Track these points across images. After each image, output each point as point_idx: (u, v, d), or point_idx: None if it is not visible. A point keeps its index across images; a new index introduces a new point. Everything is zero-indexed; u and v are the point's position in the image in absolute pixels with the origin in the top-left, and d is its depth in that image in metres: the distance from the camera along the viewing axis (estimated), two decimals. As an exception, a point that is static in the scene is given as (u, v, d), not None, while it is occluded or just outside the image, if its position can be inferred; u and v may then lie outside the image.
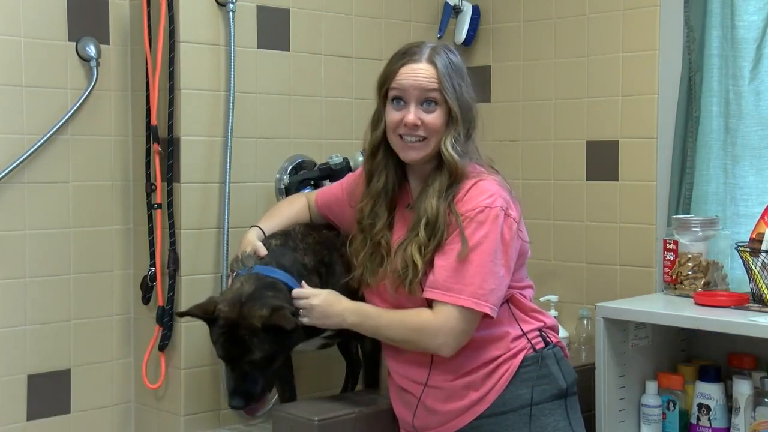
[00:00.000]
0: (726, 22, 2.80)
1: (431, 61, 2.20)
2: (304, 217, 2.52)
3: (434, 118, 2.20)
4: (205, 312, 2.24)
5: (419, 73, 2.20)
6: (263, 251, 2.33)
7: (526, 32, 3.26)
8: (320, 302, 2.22)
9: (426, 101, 2.20)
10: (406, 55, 2.23)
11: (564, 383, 2.26)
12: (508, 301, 2.25)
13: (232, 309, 2.20)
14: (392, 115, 2.22)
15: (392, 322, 2.21)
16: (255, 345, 2.18)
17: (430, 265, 2.17)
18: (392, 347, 2.28)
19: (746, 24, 2.77)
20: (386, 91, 2.24)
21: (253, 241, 2.37)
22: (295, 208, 2.53)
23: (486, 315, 2.15)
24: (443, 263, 2.15)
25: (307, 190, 2.76)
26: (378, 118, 2.28)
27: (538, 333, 2.26)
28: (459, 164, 2.19)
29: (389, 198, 2.29)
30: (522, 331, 2.25)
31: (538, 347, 2.24)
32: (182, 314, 2.33)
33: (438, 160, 2.22)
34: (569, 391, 2.28)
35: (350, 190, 2.43)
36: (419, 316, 2.17)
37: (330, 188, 2.55)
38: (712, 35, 2.81)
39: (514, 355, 2.22)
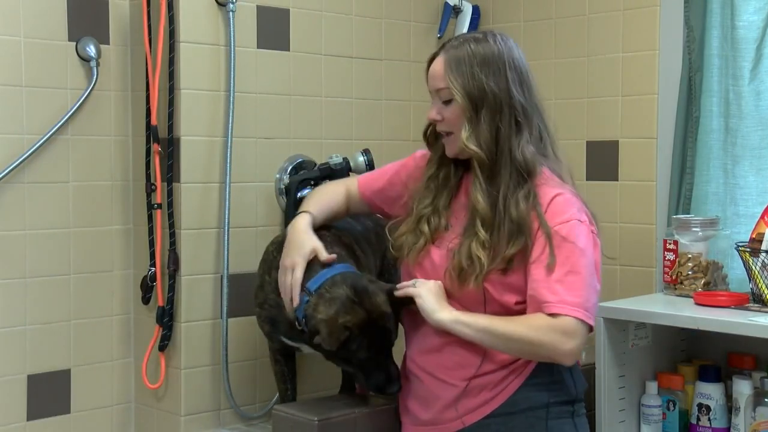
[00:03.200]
0: (726, 22, 2.80)
1: (443, 54, 2.21)
2: (343, 208, 2.46)
3: (450, 112, 2.20)
4: (340, 339, 2.17)
5: (433, 70, 2.23)
6: (326, 255, 2.28)
7: (526, 32, 3.26)
8: (434, 284, 2.19)
9: (442, 99, 2.21)
10: (435, 51, 2.26)
11: (575, 391, 2.26)
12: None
13: (356, 313, 2.18)
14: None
15: (510, 321, 2.13)
16: (391, 327, 2.21)
17: (497, 259, 2.14)
18: (425, 344, 2.25)
19: (746, 24, 2.77)
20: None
21: (311, 236, 2.31)
22: (332, 197, 2.46)
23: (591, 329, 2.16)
24: (548, 277, 2.11)
25: (307, 190, 2.76)
26: None
27: None
28: (483, 156, 2.16)
29: (444, 184, 2.28)
30: None
31: None
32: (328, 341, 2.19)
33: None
34: (578, 398, 2.28)
35: (418, 166, 2.39)
36: (536, 319, 2.11)
37: (375, 173, 2.52)
38: (712, 35, 2.81)
39: (529, 360, 2.21)
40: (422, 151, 2.42)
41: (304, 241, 2.31)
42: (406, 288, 2.23)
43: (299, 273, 2.25)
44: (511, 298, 2.18)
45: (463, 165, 2.29)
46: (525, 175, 2.18)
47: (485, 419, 2.21)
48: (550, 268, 2.11)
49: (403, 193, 2.39)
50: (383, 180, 2.46)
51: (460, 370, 2.21)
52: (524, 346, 2.14)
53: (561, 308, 2.09)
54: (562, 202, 2.17)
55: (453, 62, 2.19)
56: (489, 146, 2.17)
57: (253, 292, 2.54)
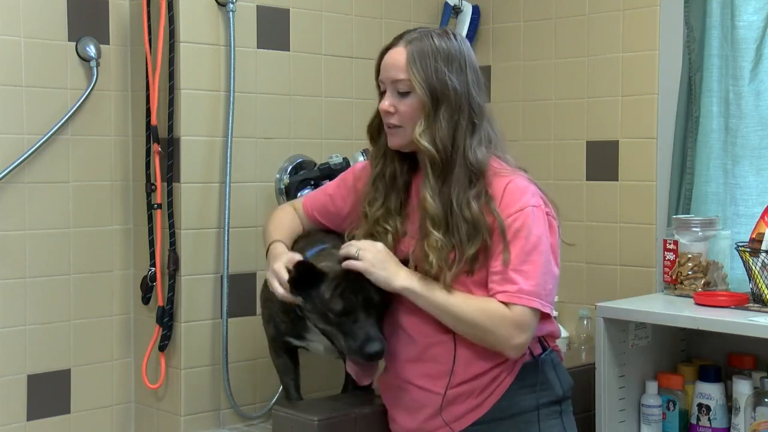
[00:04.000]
0: (726, 22, 2.80)
1: (405, 45, 2.15)
2: (300, 229, 2.46)
3: (406, 105, 2.15)
4: (313, 268, 2.18)
5: (391, 59, 2.16)
6: (298, 256, 2.27)
7: (526, 32, 3.26)
8: (381, 248, 2.14)
9: (398, 90, 2.16)
10: (391, 41, 2.20)
11: (561, 390, 2.24)
12: None
13: (336, 264, 2.18)
14: (380, 104, 2.20)
15: (467, 302, 2.11)
16: (371, 288, 2.15)
17: (462, 262, 2.11)
18: (406, 350, 2.23)
19: (746, 24, 2.77)
20: (377, 81, 2.22)
21: (285, 252, 2.30)
22: (289, 219, 2.45)
23: (547, 315, 2.16)
24: (504, 268, 2.10)
25: (306, 191, 2.76)
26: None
27: (537, 339, 2.23)
28: (436, 153, 2.12)
29: (391, 184, 2.24)
30: None
31: (536, 353, 2.21)
32: (300, 265, 2.17)
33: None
34: (564, 396, 2.27)
35: (358, 176, 2.37)
36: (492, 304, 2.10)
37: (319, 191, 2.49)
38: (712, 35, 2.81)
39: (514, 362, 2.19)
40: (362, 163, 2.41)
41: (284, 253, 2.30)
42: (350, 262, 2.14)
43: (284, 273, 2.21)
44: (481, 293, 2.15)
45: (409, 164, 2.25)
46: (477, 175, 2.14)
47: (474, 426, 2.18)
48: (506, 261, 2.10)
49: (344, 208, 2.38)
50: (325, 197, 2.43)
51: (442, 378, 2.18)
52: (475, 330, 2.12)
53: (518, 298, 2.09)
54: (513, 190, 2.13)
55: (416, 54, 2.13)
56: (444, 144, 2.13)
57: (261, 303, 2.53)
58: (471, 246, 2.12)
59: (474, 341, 2.15)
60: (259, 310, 2.65)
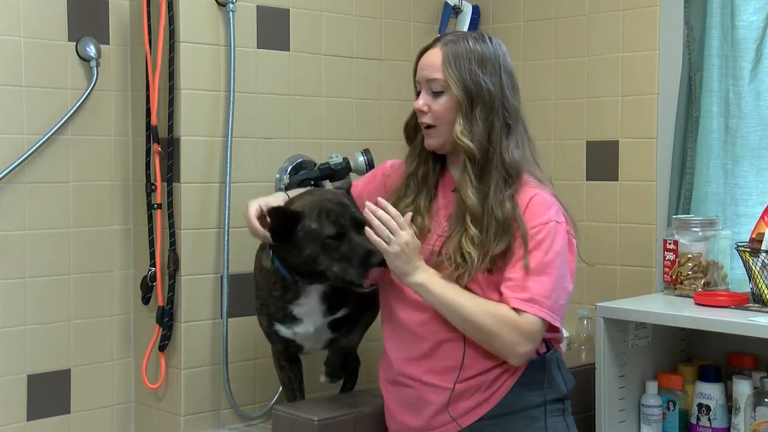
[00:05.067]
0: (726, 22, 2.80)
1: (441, 46, 2.20)
2: None
3: (439, 104, 2.19)
4: (292, 211, 2.26)
5: (428, 60, 2.21)
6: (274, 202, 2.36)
7: (526, 32, 3.26)
8: (409, 239, 2.15)
9: (432, 89, 2.20)
10: (429, 43, 2.25)
11: (564, 389, 2.27)
12: None
13: (308, 198, 2.29)
14: (414, 104, 2.25)
15: (477, 304, 2.13)
16: (351, 203, 2.30)
17: (486, 259, 2.14)
18: (410, 349, 2.24)
19: (746, 24, 2.77)
20: (414, 81, 2.28)
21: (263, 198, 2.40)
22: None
23: (555, 328, 2.18)
24: (523, 275, 2.12)
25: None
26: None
27: (542, 340, 2.23)
28: (476, 151, 2.16)
29: (424, 182, 2.28)
30: None
31: (541, 352, 2.24)
32: (273, 210, 2.26)
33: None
34: (567, 395, 2.29)
35: (388, 174, 2.41)
36: (503, 309, 2.12)
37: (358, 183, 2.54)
38: (712, 35, 2.81)
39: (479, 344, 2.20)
40: (392, 161, 2.44)
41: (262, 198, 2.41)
42: (376, 239, 2.17)
43: (252, 209, 2.34)
44: (494, 296, 2.17)
45: (441, 164, 2.30)
46: (512, 176, 2.18)
47: (480, 421, 2.20)
48: (524, 269, 2.12)
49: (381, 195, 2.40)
50: (354, 193, 2.47)
51: (450, 373, 2.19)
52: (481, 333, 2.14)
53: (529, 306, 2.11)
54: (540, 203, 2.17)
55: (451, 55, 2.18)
56: (482, 143, 2.17)
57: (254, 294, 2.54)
58: (498, 245, 2.14)
59: (479, 344, 2.16)
60: (259, 310, 2.65)
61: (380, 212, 2.17)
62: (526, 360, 2.18)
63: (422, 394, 2.23)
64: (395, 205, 2.25)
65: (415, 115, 2.28)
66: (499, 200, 2.16)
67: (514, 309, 2.12)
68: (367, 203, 2.19)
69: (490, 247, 2.14)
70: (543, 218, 2.15)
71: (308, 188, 2.51)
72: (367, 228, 2.18)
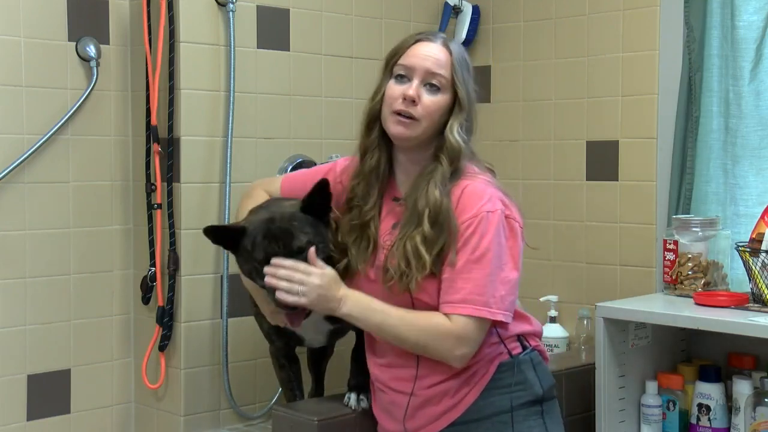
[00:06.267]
0: (726, 22, 2.80)
1: (446, 46, 2.18)
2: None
3: (434, 101, 2.14)
4: (234, 227, 2.21)
5: (432, 53, 2.16)
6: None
7: (526, 32, 3.26)
8: (321, 282, 2.09)
9: (430, 83, 2.15)
10: (422, 35, 2.21)
11: (540, 390, 2.21)
12: None
13: (262, 213, 2.20)
14: (392, 89, 2.16)
15: (404, 321, 2.11)
16: (297, 229, 2.15)
17: (438, 261, 2.10)
18: (378, 355, 2.24)
19: (746, 24, 2.77)
20: (393, 65, 2.19)
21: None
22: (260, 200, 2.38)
23: (501, 322, 2.12)
24: (451, 275, 2.09)
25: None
26: (377, 90, 2.22)
27: (515, 338, 2.21)
28: (463, 152, 2.14)
29: (380, 181, 2.22)
30: (499, 337, 2.18)
31: (514, 353, 2.19)
32: (208, 229, 2.20)
33: (435, 148, 2.16)
34: (546, 396, 2.22)
35: (343, 168, 2.33)
36: (434, 319, 2.10)
37: (299, 175, 2.45)
38: (712, 35, 2.81)
39: (490, 361, 2.17)
40: (342, 163, 2.35)
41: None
42: (290, 299, 2.09)
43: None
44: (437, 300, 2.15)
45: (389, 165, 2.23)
46: (457, 173, 2.16)
47: (451, 427, 2.17)
48: (452, 264, 2.09)
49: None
50: (308, 182, 2.30)
51: (416, 381, 2.18)
52: (416, 348, 2.13)
53: (461, 308, 2.07)
54: (470, 194, 2.12)
55: (458, 57, 2.17)
56: (466, 144, 2.17)
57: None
58: (437, 245, 2.10)
59: (422, 355, 2.15)
60: (259, 310, 2.65)
61: (281, 271, 2.10)
62: (467, 361, 2.12)
63: (394, 399, 2.23)
64: (358, 205, 2.20)
65: (381, 101, 2.19)
66: (448, 198, 2.12)
67: (447, 314, 2.09)
68: (266, 269, 2.12)
69: (433, 248, 2.10)
70: (473, 211, 2.10)
71: (278, 197, 2.37)
72: (277, 292, 2.10)
